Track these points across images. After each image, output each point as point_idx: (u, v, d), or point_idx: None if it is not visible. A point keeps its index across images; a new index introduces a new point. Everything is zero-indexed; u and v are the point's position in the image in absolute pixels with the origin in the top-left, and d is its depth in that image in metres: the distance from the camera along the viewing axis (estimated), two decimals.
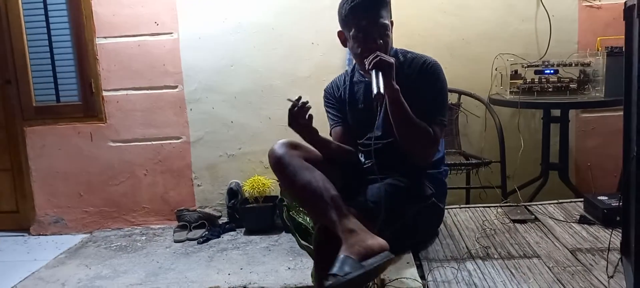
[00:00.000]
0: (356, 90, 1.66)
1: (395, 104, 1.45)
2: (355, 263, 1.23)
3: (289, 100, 1.44)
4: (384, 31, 1.53)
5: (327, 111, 1.75)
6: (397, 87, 1.43)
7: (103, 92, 2.97)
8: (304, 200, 1.48)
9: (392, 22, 1.58)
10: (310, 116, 1.44)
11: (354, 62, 1.69)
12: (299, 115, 1.42)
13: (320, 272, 1.36)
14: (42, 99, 3.03)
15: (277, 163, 1.45)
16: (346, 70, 1.76)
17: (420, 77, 1.55)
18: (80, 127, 3.00)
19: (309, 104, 1.43)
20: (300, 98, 1.42)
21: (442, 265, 1.49)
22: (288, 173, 1.44)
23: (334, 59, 2.84)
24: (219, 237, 2.80)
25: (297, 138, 1.51)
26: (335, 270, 1.21)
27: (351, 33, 1.54)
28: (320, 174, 1.43)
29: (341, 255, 1.24)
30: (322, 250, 1.40)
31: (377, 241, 1.30)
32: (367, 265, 1.24)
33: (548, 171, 2.56)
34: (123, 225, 3.05)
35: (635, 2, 1.01)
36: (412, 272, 1.46)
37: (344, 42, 1.62)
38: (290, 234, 2.67)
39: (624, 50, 1.33)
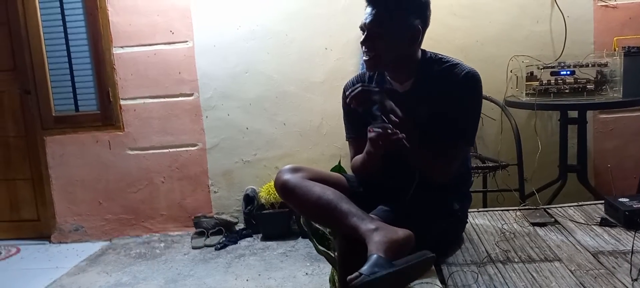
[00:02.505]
0: None
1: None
2: (385, 263, 1.19)
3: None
4: (378, 31, 1.40)
5: (344, 114, 1.65)
6: (400, 114, 1.36)
7: (120, 100, 3.02)
8: (319, 215, 1.47)
9: (416, 27, 1.43)
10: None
11: None
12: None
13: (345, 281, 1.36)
14: (61, 108, 3.08)
15: (284, 188, 1.46)
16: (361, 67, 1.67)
17: (460, 88, 1.44)
18: (98, 135, 3.05)
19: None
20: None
21: (462, 269, 1.48)
22: (296, 194, 1.44)
23: (348, 64, 2.85)
24: (236, 243, 2.83)
25: (307, 156, 1.51)
26: (363, 269, 1.18)
27: None
28: (329, 188, 1.43)
29: (373, 255, 1.21)
30: (347, 261, 1.40)
31: (402, 232, 1.29)
32: (398, 264, 1.21)
33: (566, 173, 2.53)
34: (142, 232, 3.09)
35: None
36: (433, 276, 1.46)
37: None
38: (307, 240, 2.68)
39: None
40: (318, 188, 1.42)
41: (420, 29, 1.44)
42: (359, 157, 1.55)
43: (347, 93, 1.40)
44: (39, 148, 3.09)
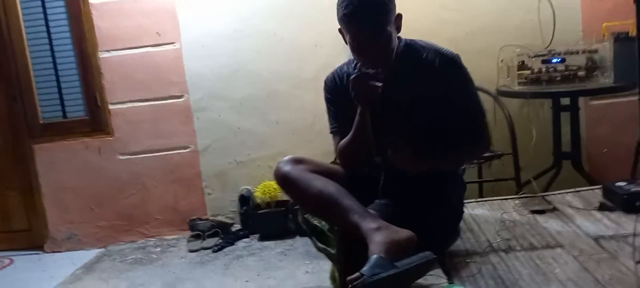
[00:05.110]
0: None
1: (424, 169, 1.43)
2: (386, 264, 1.19)
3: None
4: (381, 42, 1.39)
5: (327, 108, 1.64)
6: (413, 158, 1.40)
7: (109, 105, 2.97)
8: (319, 210, 1.47)
9: (399, 17, 1.43)
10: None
11: None
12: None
13: (346, 278, 1.34)
14: (48, 115, 3.03)
15: (285, 180, 1.45)
16: (350, 60, 1.60)
17: (441, 72, 1.44)
18: (88, 141, 3.00)
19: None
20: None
21: (464, 260, 1.49)
22: (297, 187, 1.43)
23: (337, 60, 2.79)
24: (233, 244, 2.80)
25: (301, 154, 1.51)
26: (364, 269, 1.17)
27: (347, 39, 1.43)
28: (331, 181, 1.42)
29: (374, 256, 1.20)
30: (347, 257, 1.39)
31: (404, 233, 1.28)
32: (400, 265, 1.20)
33: (561, 160, 2.55)
34: (136, 237, 3.05)
35: None
36: (435, 268, 1.45)
37: (345, 40, 1.48)
38: (304, 238, 2.66)
39: (634, 35, 1.32)
40: (319, 183, 1.40)
41: (400, 15, 1.45)
42: (345, 139, 1.52)
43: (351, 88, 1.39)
44: (27, 157, 3.03)
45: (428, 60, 1.47)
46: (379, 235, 1.26)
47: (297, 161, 1.47)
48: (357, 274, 1.18)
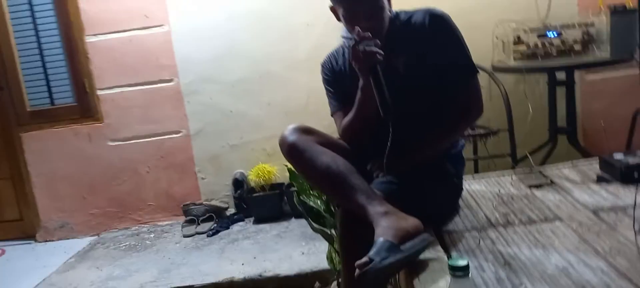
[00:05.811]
0: None
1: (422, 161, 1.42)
2: (394, 248, 1.17)
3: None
4: (375, 10, 1.37)
5: (326, 90, 1.60)
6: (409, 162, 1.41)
7: (97, 91, 2.92)
8: (325, 186, 1.41)
9: None
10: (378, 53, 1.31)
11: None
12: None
13: (349, 258, 1.31)
14: (36, 102, 2.97)
15: (292, 150, 1.37)
16: (344, 41, 1.57)
17: (430, 31, 1.41)
18: (77, 128, 2.95)
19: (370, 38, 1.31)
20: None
21: (463, 235, 1.47)
22: (305, 159, 1.35)
23: (331, 39, 2.74)
24: (228, 228, 2.78)
25: (307, 123, 1.46)
26: (372, 253, 1.15)
27: (340, 12, 1.40)
28: (340, 157, 1.36)
29: (380, 239, 1.18)
30: (349, 236, 1.36)
31: (412, 221, 1.26)
32: (405, 249, 1.19)
33: (556, 135, 2.53)
34: (130, 224, 3.02)
35: None
36: (434, 244, 1.43)
37: (338, 18, 1.45)
38: (300, 219, 2.65)
39: (631, 6, 1.29)
40: (327, 158, 1.35)
41: None
42: (348, 116, 1.48)
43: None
44: (16, 145, 2.97)
45: (418, 20, 1.44)
46: (386, 220, 1.24)
47: (305, 131, 1.40)
48: (365, 259, 1.15)
